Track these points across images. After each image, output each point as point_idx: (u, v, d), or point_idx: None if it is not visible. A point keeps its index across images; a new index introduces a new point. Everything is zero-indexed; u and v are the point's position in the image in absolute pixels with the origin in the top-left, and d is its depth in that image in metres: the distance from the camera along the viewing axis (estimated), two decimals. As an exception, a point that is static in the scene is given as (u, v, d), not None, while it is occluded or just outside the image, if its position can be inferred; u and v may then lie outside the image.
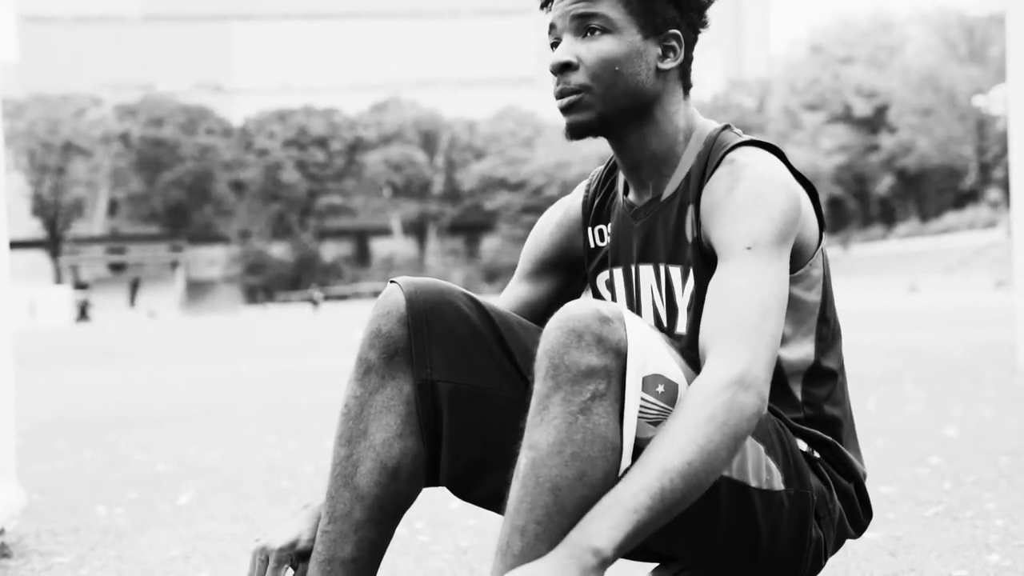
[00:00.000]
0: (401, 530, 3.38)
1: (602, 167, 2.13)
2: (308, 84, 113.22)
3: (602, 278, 2.07)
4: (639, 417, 1.65)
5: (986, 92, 64.88)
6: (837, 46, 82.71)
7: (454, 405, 1.86)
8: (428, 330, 1.87)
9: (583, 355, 1.60)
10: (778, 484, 1.78)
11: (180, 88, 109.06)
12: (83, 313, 57.20)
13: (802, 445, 1.88)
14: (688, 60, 1.92)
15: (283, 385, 10.00)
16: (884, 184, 79.51)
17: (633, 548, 1.67)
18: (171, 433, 6.56)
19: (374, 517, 1.84)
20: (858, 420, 5.54)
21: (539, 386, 1.64)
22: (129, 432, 6.69)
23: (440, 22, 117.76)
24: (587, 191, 2.12)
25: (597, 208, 2.08)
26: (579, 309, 1.63)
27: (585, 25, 1.85)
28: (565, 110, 1.88)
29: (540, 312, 2.10)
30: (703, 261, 1.85)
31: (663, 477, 1.56)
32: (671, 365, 1.68)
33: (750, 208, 1.77)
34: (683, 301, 1.88)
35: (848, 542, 2.90)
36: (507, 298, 2.15)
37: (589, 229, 2.09)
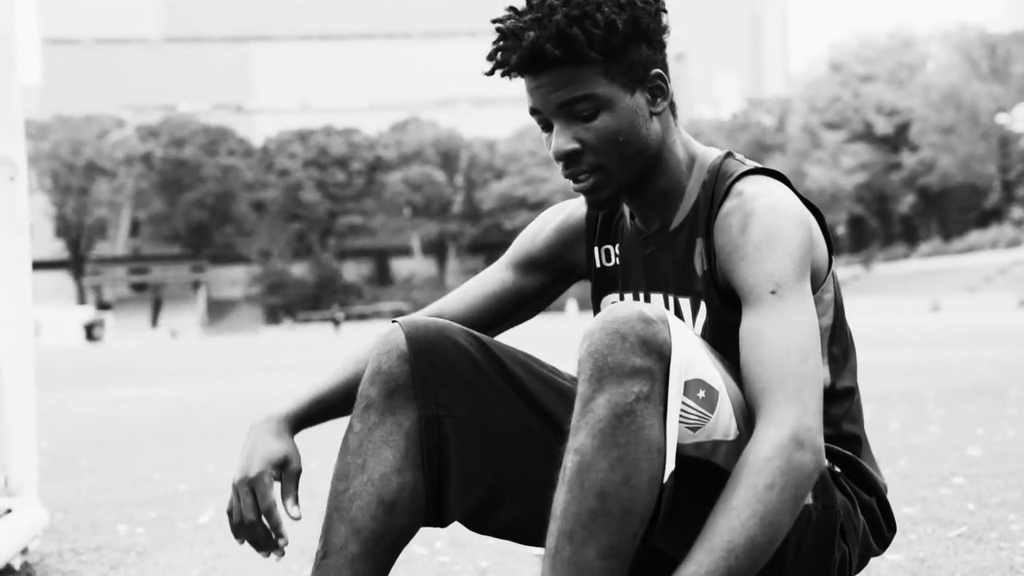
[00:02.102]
0: (420, 550, 3.37)
1: None
2: (328, 104, 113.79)
3: (609, 300, 2.06)
4: (679, 422, 1.64)
5: (1009, 110, 64.73)
6: (857, 64, 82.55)
7: (462, 440, 1.88)
8: (431, 367, 1.88)
9: (628, 356, 1.60)
10: (808, 498, 1.77)
11: (201, 109, 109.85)
12: (90, 334, 57.36)
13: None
14: (670, 91, 1.90)
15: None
16: (906, 203, 79.24)
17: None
18: (191, 452, 6.58)
19: (370, 551, 1.84)
20: (880, 440, 5.51)
21: (583, 388, 1.63)
22: (150, 451, 6.71)
23: (458, 42, 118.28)
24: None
25: (603, 226, 2.07)
26: (623, 311, 1.63)
27: (575, 109, 1.81)
28: (586, 192, 1.87)
29: (515, 304, 2.14)
30: (717, 294, 1.85)
31: (729, 557, 1.58)
32: (712, 371, 1.68)
33: (767, 247, 1.76)
34: (695, 332, 1.87)
35: (872, 563, 2.88)
36: (488, 279, 2.16)
37: (596, 249, 2.08)
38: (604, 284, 2.07)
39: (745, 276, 1.77)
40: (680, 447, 1.65)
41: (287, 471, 1.90)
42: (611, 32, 1.77)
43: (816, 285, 1.87)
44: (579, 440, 1.61)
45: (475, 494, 1.89)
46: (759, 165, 1.90)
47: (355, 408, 1.91)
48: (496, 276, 2.15)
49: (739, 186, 1.85)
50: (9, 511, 3.25)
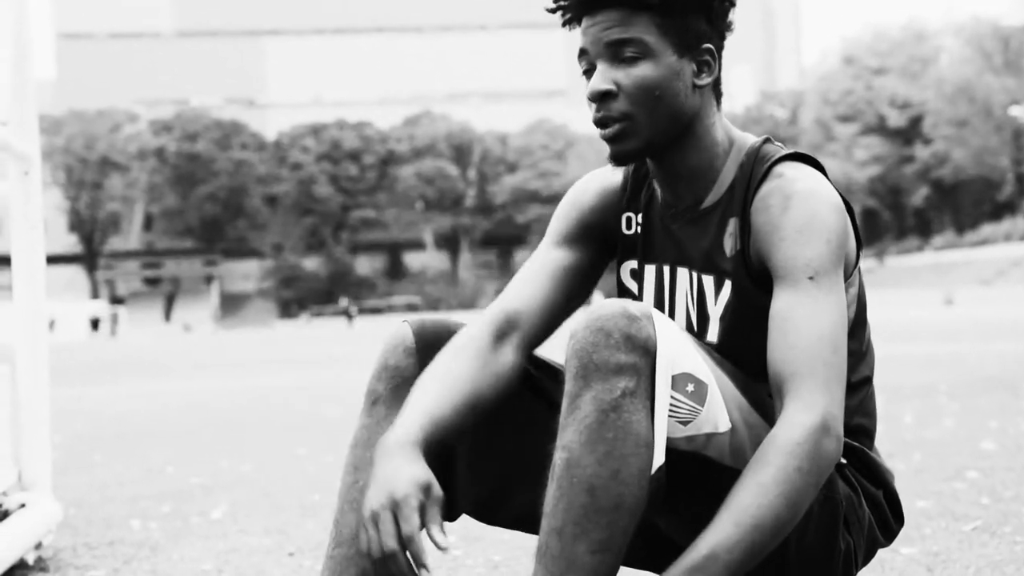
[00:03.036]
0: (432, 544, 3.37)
1: None
2: (340, 98, 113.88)
3: (628, 266, 2.04)
4: (669, 416, 1.65)
5: (1022, 103, 64.43)
6: (870, 57, 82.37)
7: (472, 433, 1.89)
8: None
9: (612, 353, 1.61)
10: None
11: (214, 103, 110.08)
12: (95, 328, 57.50)
13: None
14: (720, 68, 1.90)
15: (316, 398, 10.03)
16: (919, 195, 79.08)
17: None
18: (204, 446, 6.59)
19: None
20: (894, 433, 5.49)
21: (569, 386, 1.64)
22: (163, 445, 6.72)
23: (470, 35, 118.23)
24: (625, 176, 2.06)
25: (632, 194, 2.04)
26: (607, 308, 1.64)
27: (621, 51, 1.81)
28: (610, 140, 1.85)
29: (579, 281, 2.02)
30: (747, 274, 1.84)
31: (754, 532, 1.61)
32: (700, 365, 1.69)
33: (808, 231, 1.77)
34: (715, 311, 1.88)
35: (885, 557, 2.88)
36: (540, 263, 2.02)
37: (624, 215, 2.04)
38: (623, 251, 2.04)
39: (784, 258, 1.77)
40: (672, 441, 1.66)
41: (431, 496, 1.67)
42: None
43: (843, 279, 1.86)
44: (567, 437, 1.63)
45: (483, 486, 1.91)
46: (798, 151, 1.90)
47: (364, 403, 1.94)
48: (547, 259, 2.03)
49: (779, 168, 1.85)
50: (23, 506, 3.26)
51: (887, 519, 1.93)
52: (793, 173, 1.83)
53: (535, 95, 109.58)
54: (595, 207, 2.06)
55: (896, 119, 78.22)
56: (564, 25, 1.89)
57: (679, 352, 1.66)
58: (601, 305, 1.66)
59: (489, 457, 1.91)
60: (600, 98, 1.83)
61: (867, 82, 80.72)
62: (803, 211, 1.78)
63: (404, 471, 1.67)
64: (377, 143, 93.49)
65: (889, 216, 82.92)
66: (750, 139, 1.94)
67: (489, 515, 1.97)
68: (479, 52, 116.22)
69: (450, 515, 1.94)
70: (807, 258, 1.76)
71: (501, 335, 1.91)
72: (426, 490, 1.66)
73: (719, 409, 1.69)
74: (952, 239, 74.60)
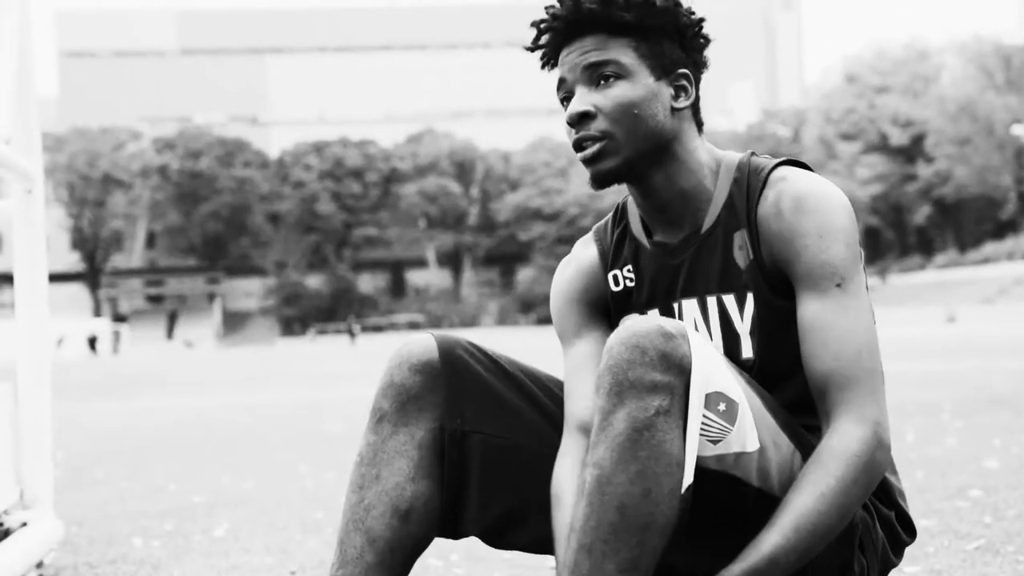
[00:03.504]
0: (436, 562, 3.37)
1: (603, 222, 2.12)
2: (343, 116, 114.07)
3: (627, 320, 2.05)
4: (700, 435, 1.66)
5: (1024, 121, 64.46)
6: (872, 75, 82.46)
7: (486, 458, 1.91)
8: (459, 380, 1.91)
9: (647, 371, 1.61)
10: None
11: (217, 121, 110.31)
12: (92, 347, 57.27)
13: None
14: (697, 98, 1.94)
15: (318, 415, 10.02)
16: (921, 214, 79.06)
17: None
18: (206, 463, 6.58)
19: (385, 560, 1.85)
20: (897, 451, 5.48)
21: (602, 402, 1.64)
22: (165, 462, 6.71)
23: (473, 53, 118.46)
24: (598, 241, 2.09)
25: (615, 253, 2.06)
26: (642, 325, 1.64)
27: (599, 73, 1.85)
28: (589, 160, 1.87)
29: None
30: (765, 282, 1.85)
31: (810, 539, 1.66)
32: (732, 384, 1.69)
33: (830, 236, 1.80)
34: (744, 327, 1.88)
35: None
36: (577, 364, 2.00)
37: (609, 274, 2.06)
38: (619, 307, 2.04)
39: (809, 265, 1.80)
40: (701, 460, 1.66)
41: None
42: (649, 5, 1.84)
43: None
44: (599, 454, 1.62)
45: (494, 512, 1.91)
46: (788, 158, 1.93)
47: (368, 420, 1.94)
48: (578, 352, 2.02)
49: (778, 173, 1.88)
50: (24, 524, 3.25)
51: (899, 538, 1.94)
52: (795, 175, 1.86)
53: (538, 113, 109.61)
54: (581, 289, 2.08)
55: (898, 137, 78.26)
56: (543, 67, 1.93)
57: (713, 370, 1.66)
58: (637, 322, 1.66)
59: (503, 486, 1.92)
60: (579, 119, 1.86)
61: (869, 100, 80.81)
62: (819, 214, 1.81)
63: None
64: (380, 161, 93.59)
65: (891, 234, 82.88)
66: (736, 156, 1.96)
67: (497, 539, 1.97)
68: (482, 70, 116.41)
69: (455, 534, 1.94)
70: (832, 264, 1.79)
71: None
72: None
73: (749, 429, 1.70)
74: (954, 257, 74.52)
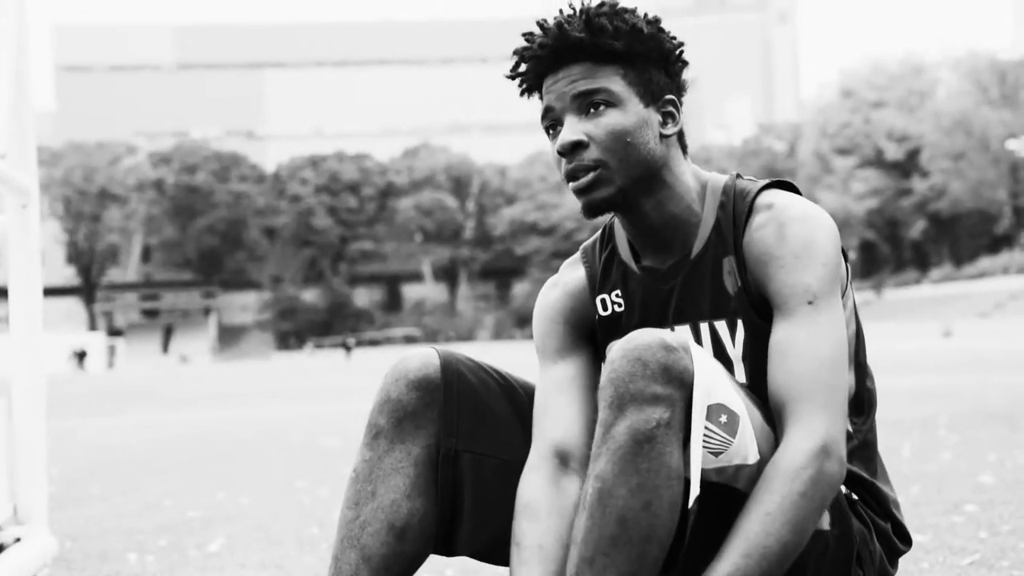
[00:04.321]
0: (431, 578, 3.36)
1: (590, 242, 2.10)
2: (340, 130, 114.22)
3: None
4: (702, 447, 1.66)
5: (1019, 136, 64.66)
6: (868, 90, 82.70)
7: (478, 478, 1.91)
8: (456, 398, 1.91)
9: (648, 384, 1.61)
10: (825, 524, 1.79)
11: (213, 135, 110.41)
12: (80, 362, 56.81)
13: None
14: (682, 119, 1.94)
15: (314, 430, 10.00)
16: (917, 228, 79.20)
17: None
18: (202, 478, 6.57)
19: None
20: (892, 466, 5.48)
21: (604, 415, 1.64)
22: (160, 477, 6.70)
23: (470, 68, 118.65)
24: (586, 264, 2.07)
25: (603, 276, 2.04)
26: (644, 338, 1.64)
27: (589, 102, 1.84)
28: (583, 190, 1.85)
29: (593, 378, 1.98)
30: (752, 309, 1.85)
31: (762, 561, 1.63)
32: (733, 396, 1.69)
33: (806, 257, 1.79)
34: (736, 352, 1.88)
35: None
36: (551, 384, 1.99)
37: (598, 298, 2.04)
38: (607, 332, 2.01)
39: (781, 286, 1.79)
40: (702, 472, 1.67)
41: None
42: (635, 32, 1.83)
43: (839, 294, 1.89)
44: (600, 466, 1.63)
45: (487, 532, 1.91)
46: (773, 179, 1.93)
47: (364, 436, 1.93)
48: (555, 375, 2.00)
49: (764, 199, 1.87)
50: (18, 540, 3.24)
51: (895, 548, 1.94)
52: (782, 200, 1.86)
53: (534, 127, 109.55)
54: (567, 311, 2.06)
55: (894, 152, 78.45)
56: (522, 95, 1.92)
57: (714, 382, 1.67)
58: (638, 334, 1.66)
59: (495, 505, 1.91)
60: (571, 149, 1.84)
61: (865, 115, 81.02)
62: (799, 237, 1.80)
63: None
64: (376, 175, 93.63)
65: (887, 249, 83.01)
66: (720, 178, 1.96)
67: (490, 558, 1.97)
68: (479, 85, 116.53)
69: (449, 551, 1.94)
70: (805, 284, 1.78)
71: (560, 473, 1.88)
72: None
73: (749, 441, 1.70)
74: (950, 272, 74.66)
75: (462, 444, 1.89)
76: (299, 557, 3.85)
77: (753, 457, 1.70)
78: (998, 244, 75.28)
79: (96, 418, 13.92)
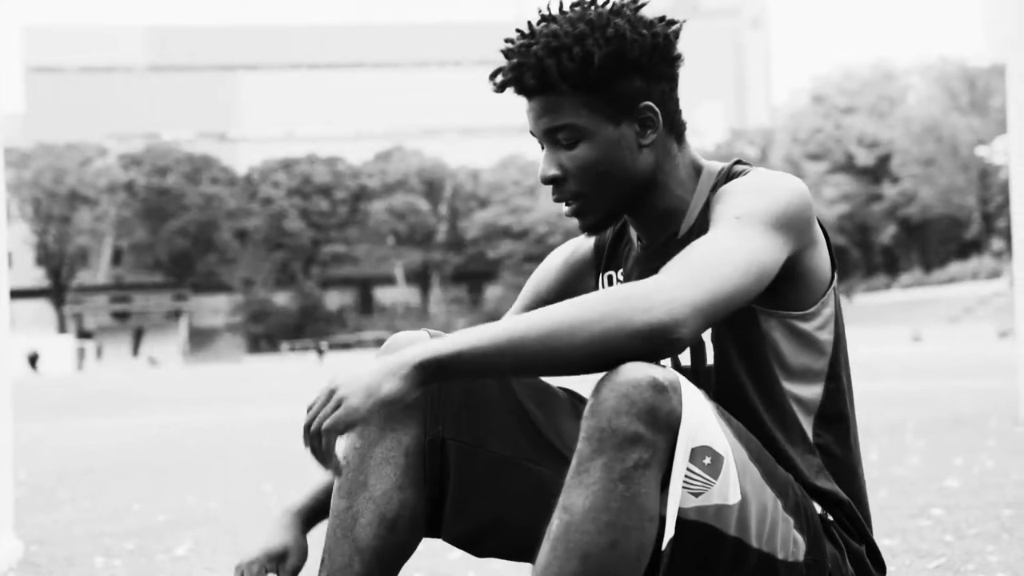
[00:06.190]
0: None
1: None
2: (312, 133, 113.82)
3: None
4: (682, 488, 1.61)
5: (988, 142, 65.16)
6: (839, 96, 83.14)
7: (462, 467, 1.88)
8: (443, 386, 1.88)
9: (632, 422, 1.55)
10: (801, 555, 1.76)
11: (185, 137, 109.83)
12: (32, 365, 55.56)
13: (816, 507, 1.86)
14: (673, 109, 1.90)
15: (282, 434, 9.97)
16: (887, 234, 79.65)
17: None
18: (171, 482, 6.54)
19: (373, 569, 1.83)
20: (860, 471, 5.51)
21: (581, 446, 1.58)
22: (129, 481, 6.67)
23: (444, 72, 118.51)
24: (597, 239, 2.12)
25: (610, 254, 2.08)
26: (635, 373, 1.57)
27: (555, 138, 1.85)
28: (573, 216, 1.91)
29: None
30: None
31: (521, 324, 1.60)
32: (720, 437, 1.63)
33: (752, 192, 1.78)
34: (706, 333, 1.87)
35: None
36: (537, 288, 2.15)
37: (601, 275, 2.08)
38: None
39: (719, 213, 1.77)
40: (681, 511, 1.62)
41: (284, 565, 1.91)
42: (586, 65, 1.79)
43: (818, 295, 1.88)
44: (570, 499, 1.57)
45: (470, 522, 1.89)
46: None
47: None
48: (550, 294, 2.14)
49: (747, 170, 1.90)
50: (-16, 542, 3.22)
51: (868, 573, 1.90)
52: (760, 169, 1.87)
53: (507, 131, 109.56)
54: (562, 278, 2.12)
55: (864, 158, 78.88)
56: (496, 91, 1.90)
57: (702, 423, 1.61)
58: (630, 368, 1.59)
59: (478, 496, 1.88)
60: (551, 182, 1.87)
61: (836, 121, 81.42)
62: (754, 180, 1.81)
63: (264, 537, 1.98)
64: (348, 178, 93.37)
65: (857, 254, 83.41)
66: (719, 165, 1.96)
67: (473, 547, 1.94)
68: (452, 88, 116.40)
69: (432, 532, 1.92)
70: (740, 204, 1.75)
71: None
72: (280, 558, 1.94)
73: (732, 482, 1.64)
74: (920, 277, 75.13)
75: (448, 432, 1.87)
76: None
77: (734, 498, 1.64)
78: (967, 250, 75.78)
79: (65, 421, 13.83)
